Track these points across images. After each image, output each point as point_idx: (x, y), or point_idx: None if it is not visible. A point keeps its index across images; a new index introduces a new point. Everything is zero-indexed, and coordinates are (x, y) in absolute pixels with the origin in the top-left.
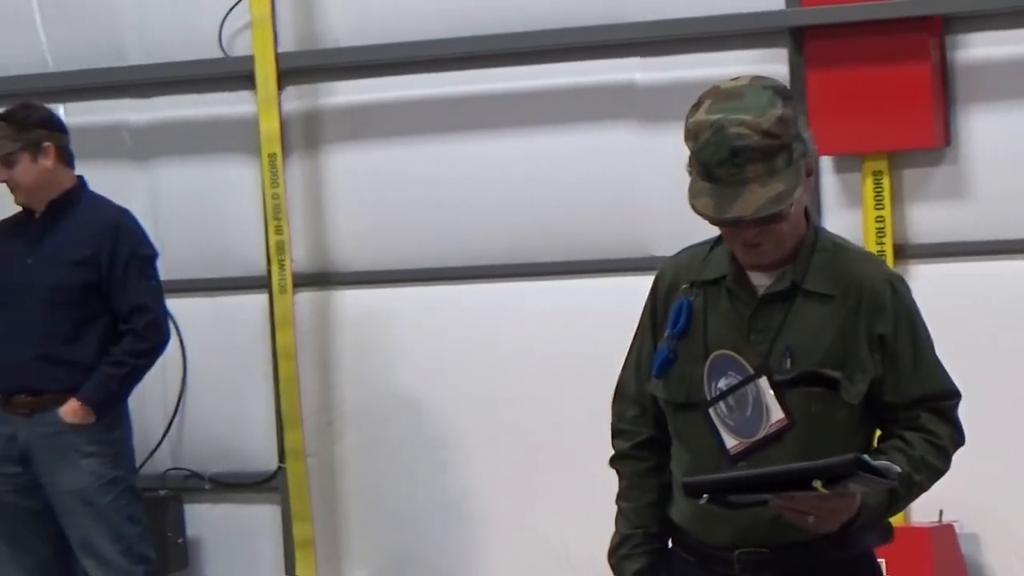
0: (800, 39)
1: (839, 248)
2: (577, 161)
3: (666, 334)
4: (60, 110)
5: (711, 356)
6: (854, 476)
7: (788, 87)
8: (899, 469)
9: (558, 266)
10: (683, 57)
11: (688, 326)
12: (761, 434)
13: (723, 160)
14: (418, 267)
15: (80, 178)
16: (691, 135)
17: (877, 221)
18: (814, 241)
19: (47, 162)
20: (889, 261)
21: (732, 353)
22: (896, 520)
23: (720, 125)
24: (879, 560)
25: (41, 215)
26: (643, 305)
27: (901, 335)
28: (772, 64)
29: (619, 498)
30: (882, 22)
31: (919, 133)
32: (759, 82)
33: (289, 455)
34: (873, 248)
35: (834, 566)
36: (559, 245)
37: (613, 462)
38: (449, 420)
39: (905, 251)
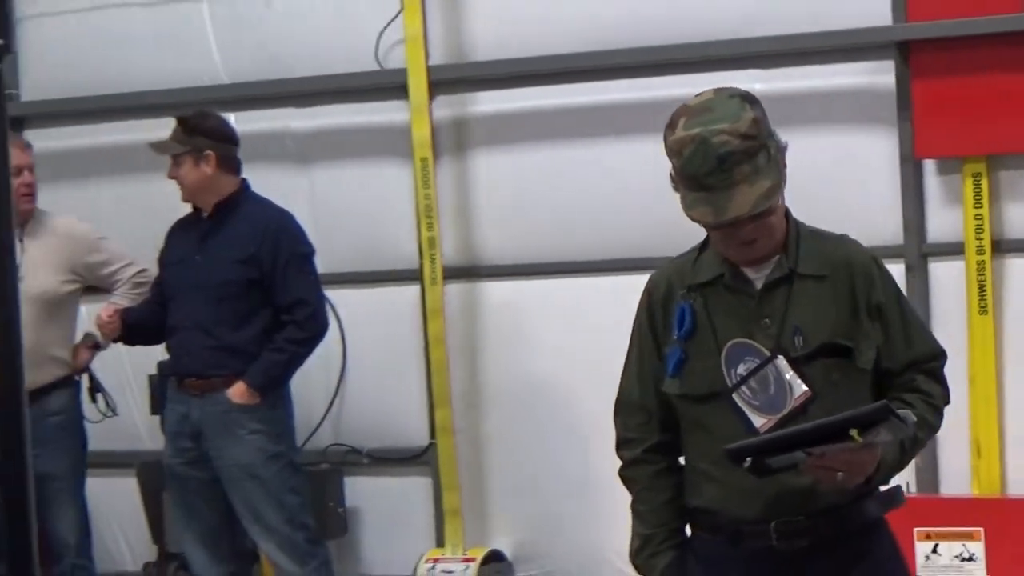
0: (906, 51)
1: (817, 234)
2: None
3: (673, 337)
4: (231, 118)
5: (725, 347)
6: (885, 421)
7: (751, 93)
8: (915, 418)
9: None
10: (798, 69)
11: (694, 326)
12: (787, 409)
13: (712, 169)
14: (555, 261)
15: (244, 181)
16: (675, 152)
17: (976, 219)
18: (797, 231)
19: (207, 169)
20: (987, 255)
21: (747, 340)
22: (992, 491)
23: (703, 137)
24: (977, 528)
25: (209, 216)
26: (635, 318)
27: (891, 304)
28: (880, 75)
29: (634, 503)
30: (983, 36)
31: (1016, 138)
32: (724, 92)
33: (439, 432)
34: (972, 243)
35: (858, 530)
36: (681, 241)
37: (623, 470)
38: (582, 400)
39: (1001, 246)
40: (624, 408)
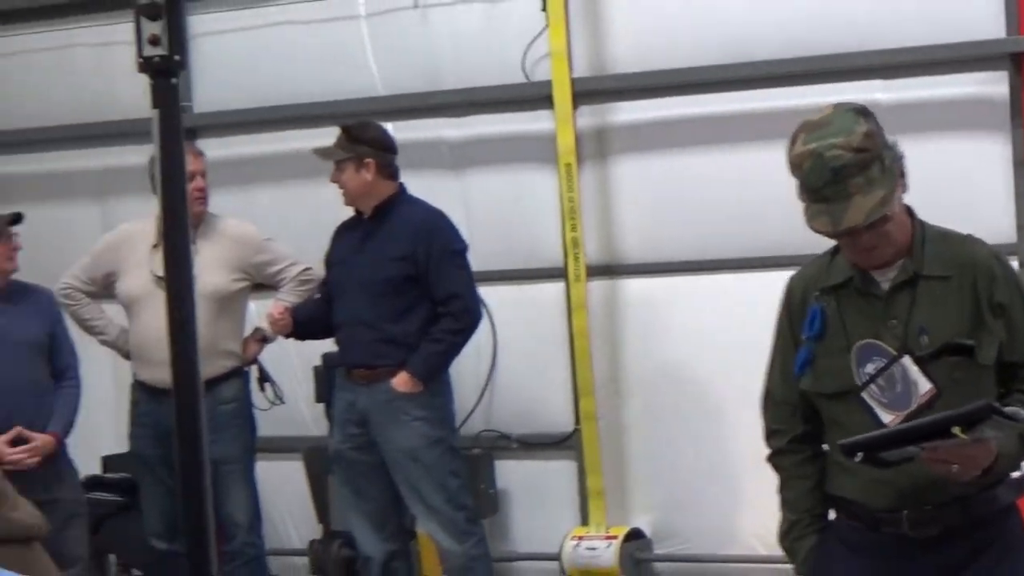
0: (1019, 62)
1: (944, 235)
2: None
3: (804, 337)
4: (389, 127)
5: (855, 347)
6: (988, 420)
7: (866, 107)
8: None
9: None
10: (918, 79)
11: (823, 327)
12: (914, 405)
13: (827, 182)
14: (690, 259)
15: (401, 186)
16: (795, 167)
17: None
18: (922, 233)
19: (367, 175)
20: None
21: (875, 340)
22: None
23: (818, 152)
24: None
25: (369, 218)
26: (777, 319)
27: (1015, 301)
28: (993, 85)
29: (781, 489)
30: None
31: None
32: (841, 107)
33: (583, 418)
34: None
35: (988, 517)
36: (802, 243)
37: (771, 459)
38: (717, 389)
39: None
40: (770, 402)
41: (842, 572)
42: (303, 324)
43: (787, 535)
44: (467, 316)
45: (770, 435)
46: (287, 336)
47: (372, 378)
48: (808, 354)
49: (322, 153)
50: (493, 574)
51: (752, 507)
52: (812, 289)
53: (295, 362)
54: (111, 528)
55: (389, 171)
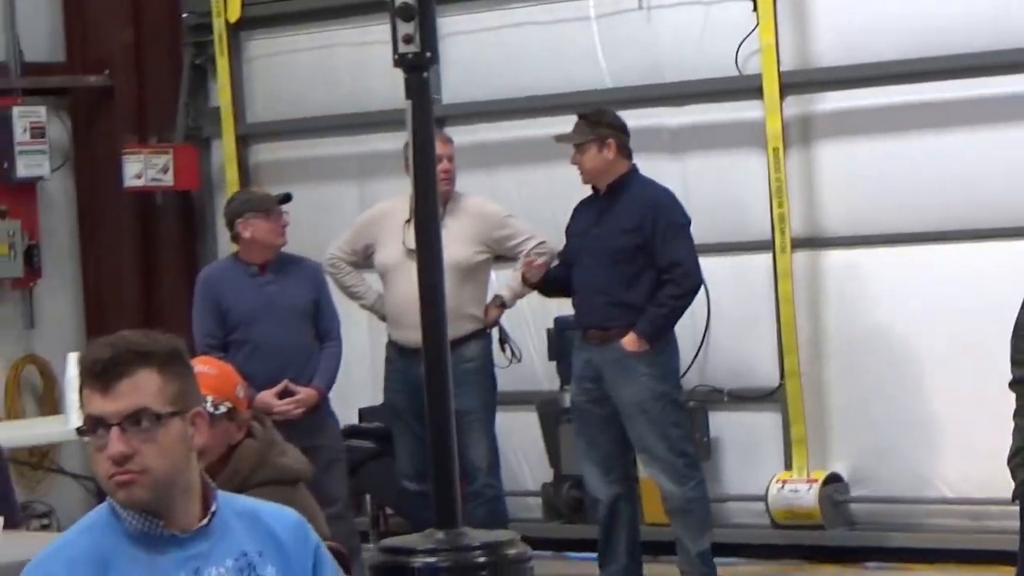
0: None
1: None
2: (1012, 149)
3: None
4: None
5: None
6: None
7: None
8: None
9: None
10: None
11: None
12: None
13: None
14: (886, 232)
15: (633, 165)
16: None
17: None
18: None
19: (609, 154)
20: None
21: None
22: None
23: None
24: None
25: (604, 194)
26: None
27: None
28: None
29: (1016, 415)
30: None
31: None
32: None
33: (787, 375)
34: None
35: None
36: (987, 217)
37: (1012, 385)
38: (911, 351)
39: None
40: (1017, 333)
41: None
42: (549, 282)
43: (1013, 458)
44: (688, 282)
45: (1013, 363)
46: (533, 287)
47: (605, 339)
48: None
49: (564, 138)
50: (710, 514)
51: (942, 455)
52: None
53: (530, 325)
54: (367, 471)
55: (625, 151)
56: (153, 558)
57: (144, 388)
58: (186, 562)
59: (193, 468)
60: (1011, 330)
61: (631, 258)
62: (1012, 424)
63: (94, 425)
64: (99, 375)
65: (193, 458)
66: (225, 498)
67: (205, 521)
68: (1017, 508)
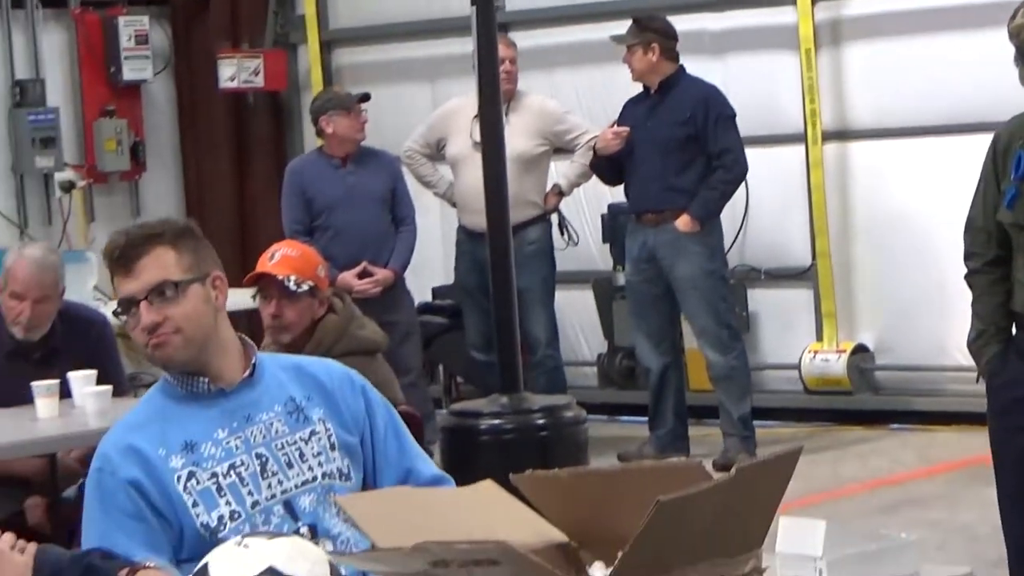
0: None
1: None
2: None
3: (1011, 178)
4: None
5: None
6: None
7: None
8: None
9: (995, 124)
10: None
11: None
12: None
13: None
14: (907, 125)
15: (681, 66)
16: (1013, 35)
17: None
18: None
19: (652, 56)
20: None
21: None
22: None
23: None
24: None
25: (655, 92)
26: (984, 162)
27: None
28: None
29: (974, 303)
30: None
31: None
32: None
33: (818, 255)
34: None
35: None
36: (1007, 108)
37: (967, 277)
38: (931, 231)
39: None
40: (970, 230)
41: (1018, 375)
42: (610, 167)
43: (974, 342)
44: (737, 168)
45: (968, 256)
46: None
47: (659, 221)
48: (1015, 191)
49: (617, 39)
50: (750, 381)
51: (958, 327)
52: (1017, 138)
53: (586, 211)
54: (439, 344)
55: (671, 54)
56: (205, 411)
57: (161, 263)
58: (236, 411)
59: (224, 327)
60: None
61: (683, 147)
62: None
63: (127, 306)
64: (119, 260)
65: (221, 317)
66: (270, 356)
67: (248, 374)
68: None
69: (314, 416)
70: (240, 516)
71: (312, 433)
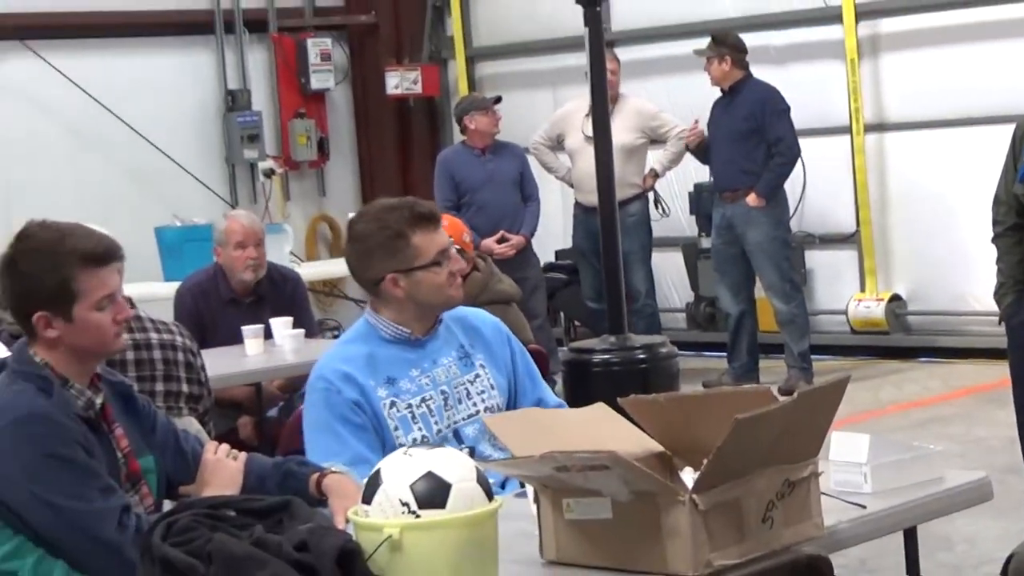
0: None
1: None
2: None
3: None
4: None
5: None
6: None
7: None
8: None
9: (1005, 117)
10: None
11: None
12: None
13: None
14: (933, 119)
15: (748, 73)
16: None
17: None
18: None
19: (725, 66)
20: None
21: None
22: None
23: None
24: None
25: (727, 93)
26: (1008, 148)
27: None
28: None
29: (997, 261)
30: None
31: None
32: None
33: (862, 223)
34: None
35: None
36: (1010, 104)
37: (993, 240)
38: (952, 203)
39: None
40: (996, 202)
41: None
42: (701, 150)
43: (997, 292)
44: (790, 153)
45: (993, 223)
46: (691, 150)
47: (734, 197)
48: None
49: (699, 52)
50: (807, 324)
51: (974, 279)
52: None
53: (676, 189)
54: (561, 295)
55: (741, 63)
56: (404, 354)
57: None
58: (426, 356)
59: None
60: None
61: (748, 137)
62: (996, 269)
63: (442, 255)
64: (431, 217)
65: None
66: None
67: (435, 327)
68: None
69: (476, 361)
70: (427, 440)
71: (476, 376)
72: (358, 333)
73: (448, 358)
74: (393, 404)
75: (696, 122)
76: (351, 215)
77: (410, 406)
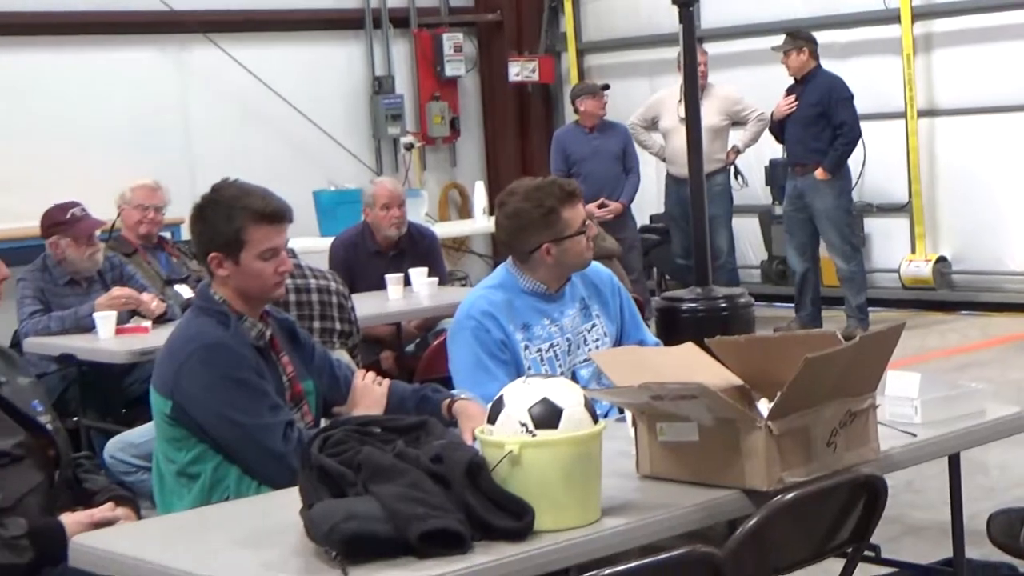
0: None
1: None
2: None
3: None
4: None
5: None
6: None
7: None
8: None
9: None
10: None
11: None
12: None
13: None
14: (978, 106)
15: (819, 64)
16: None
17: None
18: None
19: (803, 57)
20: None
21: None
22: None
23: None
24: None
25: (799, 82)
26: None
27: None
28: None
29: None
30: None
31: None
32: None
33: (914, 195)
34: None
35: None
36: None
37: None
38: (992, 178)
39: None
40: None
41: None
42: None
43: None
44: (852, 134)
45: None
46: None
47: (805, 171)
48: None
49: (777, 48)
50: (865, 280)
51: (1008, 245)
52: None
53: (754, 164)
54: (654, 253)
55: (814, 55)
56: (538, 304)
57: None
58: (556, 308)
59: None
60: None
61: (816, 120)
62: None
63: (584, 225)
64: (575, 194)
65: None
66: None
67: (565, 284)
68: None
69: (594, 312)
70: None
71: (593, 325)
72: (500, 281)
73: (572, 310)
74: (527, 347)
75: (794, 97)
76: (478, 183)
77: (540, 351)
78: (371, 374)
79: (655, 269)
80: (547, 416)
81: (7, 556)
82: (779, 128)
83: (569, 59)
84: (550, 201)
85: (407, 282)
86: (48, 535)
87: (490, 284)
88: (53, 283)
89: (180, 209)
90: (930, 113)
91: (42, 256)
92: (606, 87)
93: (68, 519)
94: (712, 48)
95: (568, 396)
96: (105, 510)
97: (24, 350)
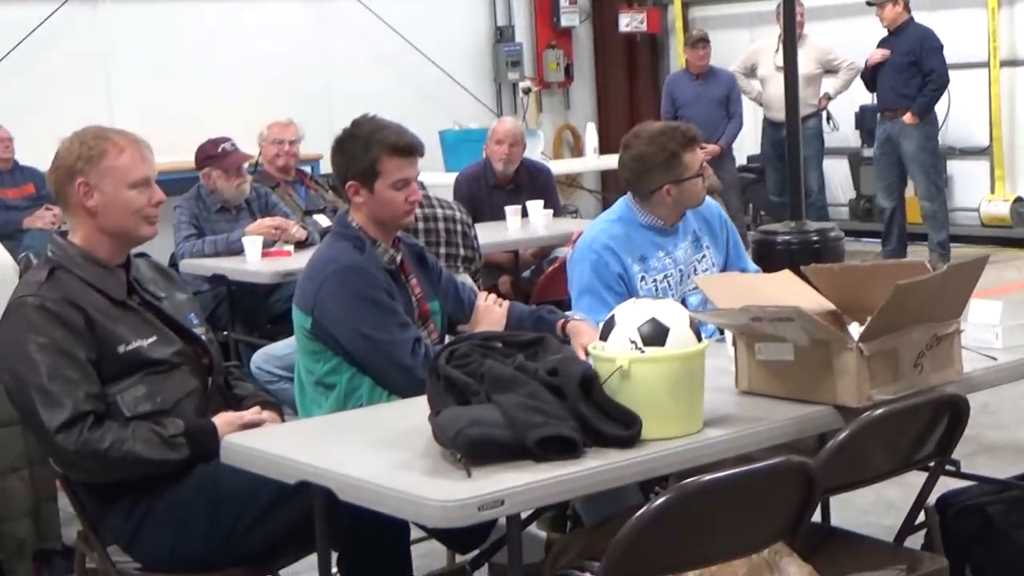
0: None
1: None
2: None
3: None
4: None
5: None
6: None
7: None
8: None
9: None
10: None
11: None
12: None
13: None
14: None
15: (911, 16)
16: None
17: None
18: None
19: (897, 8)
20: None
21: None
22: None
23: None
24: None
25: (892, 32)
26: None
27: None
28: None
29: None
30: None
31: None
32: None
33: (994, 140)
34: None
35: None
36: None
37: None
38: None
39: None
40: None
41: None
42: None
43: None
44: (940, 80)
45: None
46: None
47: (894, 116)
48: None
49: (872, 1)
50: (947, 218)
51: None
52: None
53: (844, 108)
54: (751, 190)
55: (907, 7)
56: (654, 238)
57: None
58: (670, 241)
59: None
60: None
61: (907, 68)
62: None
63: (701, 168)
64: (695, 139)
65: None
66: None
67: (679, 219)
68: None
69: (704, 244)
70: None
71: (703, 256)
72: (620, 215)
73: (685, 242)
74: (643, 278)
75: (852, 62)
76: (590, 125)
77: (655, 281)
78: (492, 296)
79: (751, 205)
80: (655, 334)
81: (166, 452)
82: (871, 76)
83: (675, 11)
84: (672, 145)
85: (524, 213)
86: (202, 434)
87: (611, 217)
88: (206, 210)
89: (319, 145)
90: (1012, 63)
91: (196, 186)
92: (703, 38)
93: (220, 420)
94: (808, 1)
95: (675, 316)
96: (253, 413)
97: (180, 271)
